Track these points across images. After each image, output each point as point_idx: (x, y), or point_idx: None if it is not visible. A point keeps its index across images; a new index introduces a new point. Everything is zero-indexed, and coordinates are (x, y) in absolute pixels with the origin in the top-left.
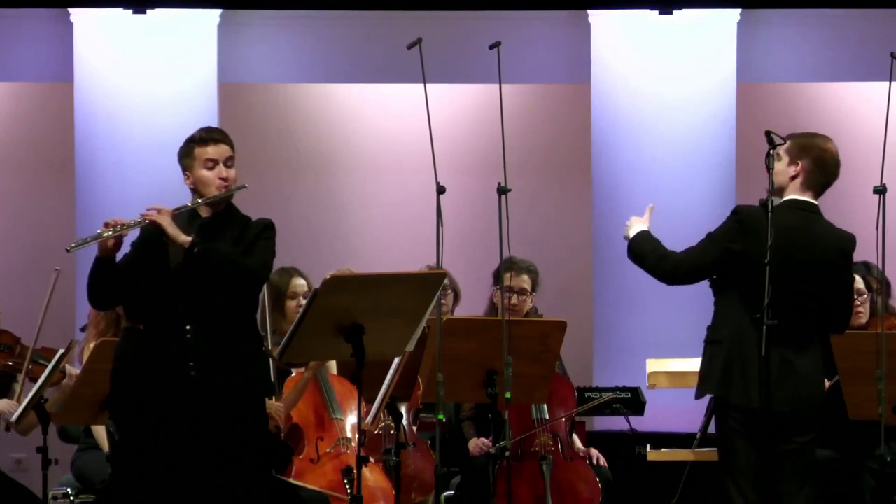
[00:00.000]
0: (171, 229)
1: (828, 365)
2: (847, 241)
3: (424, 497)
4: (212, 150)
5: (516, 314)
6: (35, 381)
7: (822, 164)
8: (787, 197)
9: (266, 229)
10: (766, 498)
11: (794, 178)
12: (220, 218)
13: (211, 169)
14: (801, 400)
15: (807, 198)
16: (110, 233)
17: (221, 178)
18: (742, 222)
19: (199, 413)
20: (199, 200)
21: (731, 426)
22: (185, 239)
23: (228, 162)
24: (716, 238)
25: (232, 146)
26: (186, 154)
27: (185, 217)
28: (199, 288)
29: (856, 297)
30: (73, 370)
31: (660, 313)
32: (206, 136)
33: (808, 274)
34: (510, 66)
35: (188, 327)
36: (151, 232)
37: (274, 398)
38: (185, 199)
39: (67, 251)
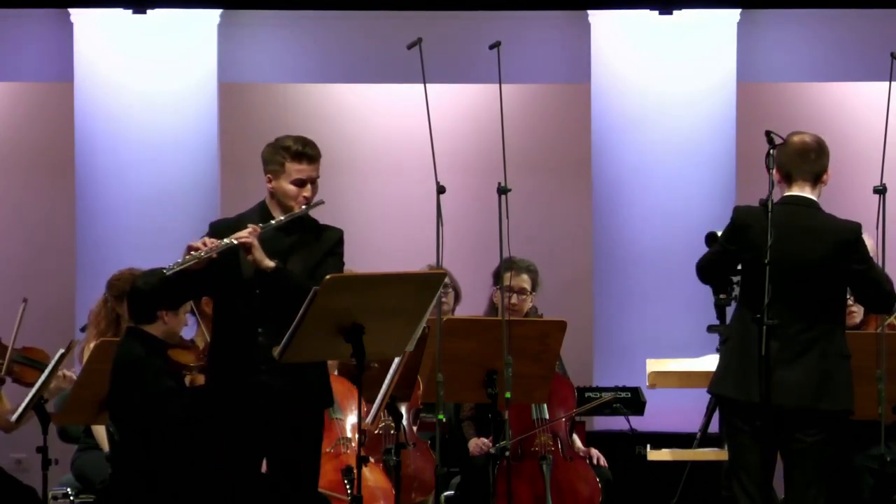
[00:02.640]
0: (259, 253)
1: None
2: (843, 232)
3: (424, 497)
4: (304, 169)
5: (516, 314)
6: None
7: (789, 153)
8: (783, 195)
9: (338, 244)
10: (771, 496)
11: (779, 179)
12: (294, 222)
13: (297, 186)
14: (797, 396)
15: (796, 192)
16: (202, 254)
17: (304, 196)
18: (734, 222)
19: (262, 418)
20: (283, 219)
21: (735, 424)
22: (268, 264)
23: (315, 182)
24: (720, 238)
25: (319, 161)
26: (275, 161)
27: (257, 218)
28: (273, 301)
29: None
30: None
31: (660, 313)
32: (301, 153)
33: (801, 268)
34: (510, 66)
35: (260, 329)
36: (223, 235)
37: None
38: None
39: (166, 273)
